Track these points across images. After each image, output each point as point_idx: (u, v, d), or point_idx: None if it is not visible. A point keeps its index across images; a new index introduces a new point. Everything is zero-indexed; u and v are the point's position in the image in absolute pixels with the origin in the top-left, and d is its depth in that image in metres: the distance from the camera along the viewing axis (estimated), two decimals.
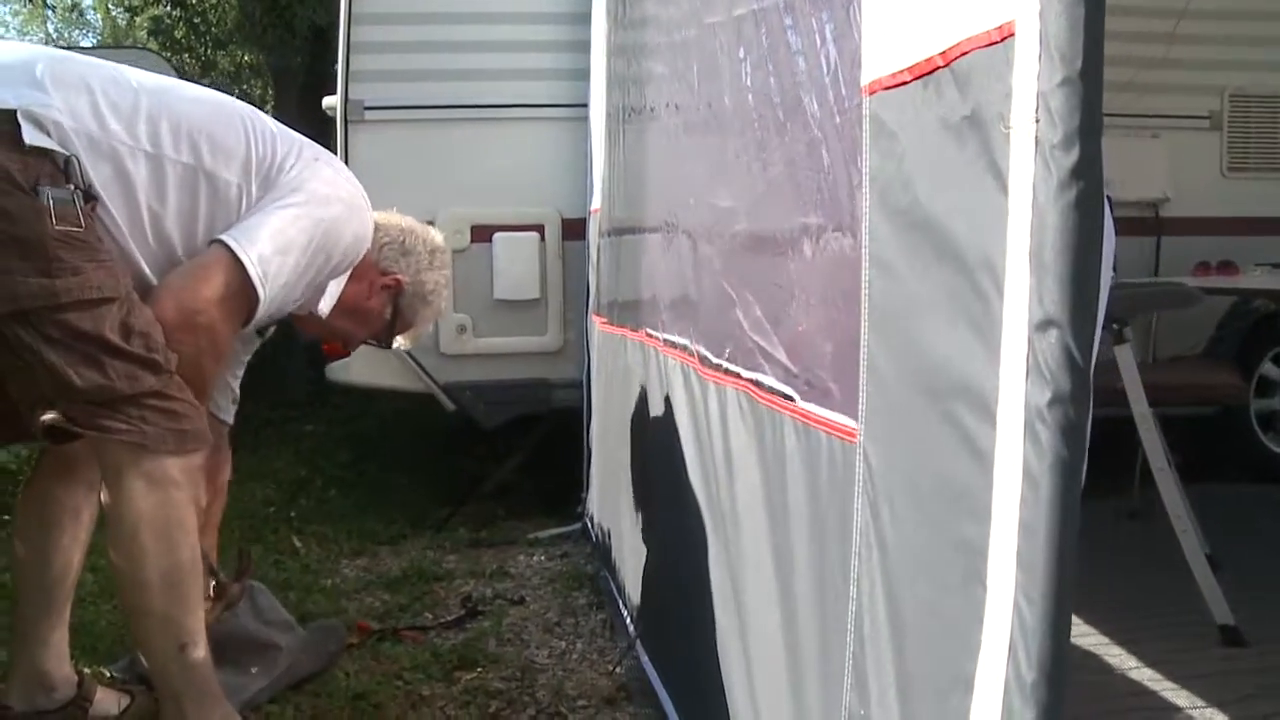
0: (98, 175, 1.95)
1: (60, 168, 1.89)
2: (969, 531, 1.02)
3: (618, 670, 2.84)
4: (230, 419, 2.60)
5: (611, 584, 3.30)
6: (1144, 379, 3.15)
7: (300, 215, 2.15)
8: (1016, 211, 0.94)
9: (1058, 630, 0.94)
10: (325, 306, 2.41)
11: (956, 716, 1.04)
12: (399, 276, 2.54)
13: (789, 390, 1.54)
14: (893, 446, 1.21)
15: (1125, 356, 3.61)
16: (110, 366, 1.89)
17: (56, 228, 1.86)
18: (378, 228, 2.47)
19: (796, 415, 1.49)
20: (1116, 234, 1.14)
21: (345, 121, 4.18)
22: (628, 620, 2.99)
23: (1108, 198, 0.93)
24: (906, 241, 1.15)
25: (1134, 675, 2.70)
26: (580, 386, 4.21)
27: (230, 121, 2.18)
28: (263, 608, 2.70)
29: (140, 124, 2.02)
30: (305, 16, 7.39)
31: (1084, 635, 3.01)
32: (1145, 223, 4.63)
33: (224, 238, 2.07)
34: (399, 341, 2.65)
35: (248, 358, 2.64)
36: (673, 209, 2.47)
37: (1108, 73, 0.90)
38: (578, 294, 4.20)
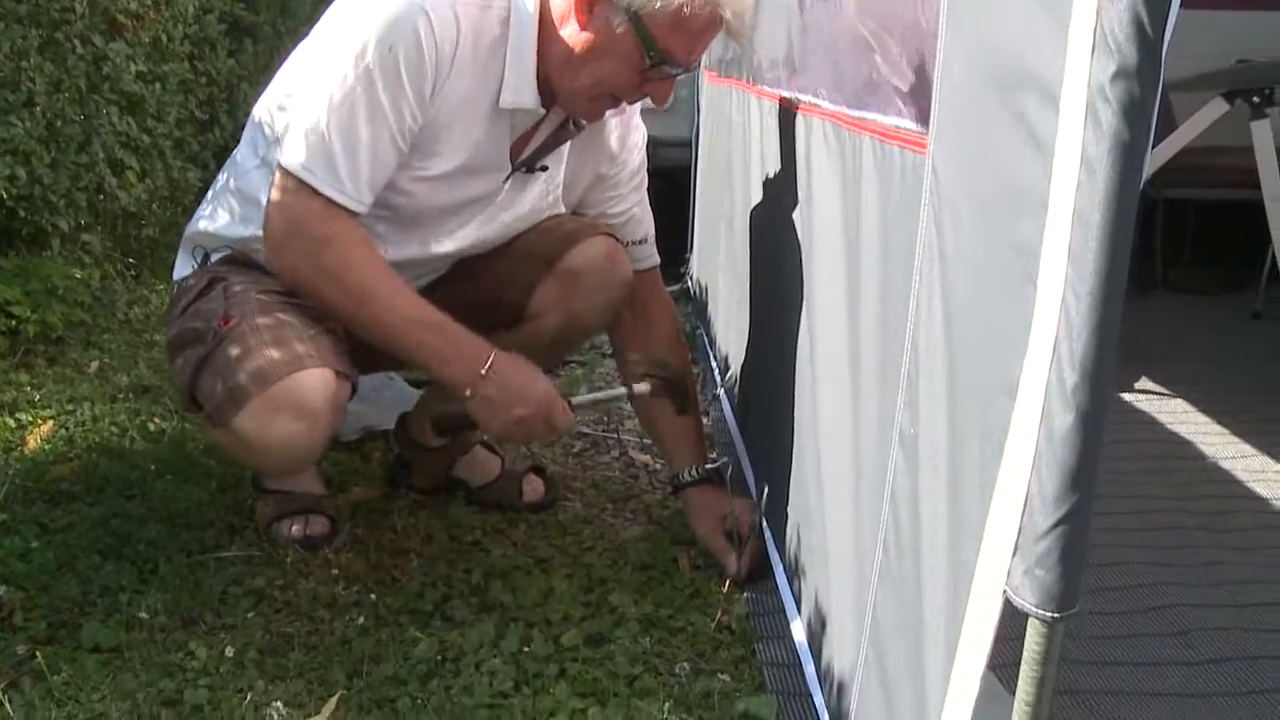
0: None
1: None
2: (1025, 229, 0.96)
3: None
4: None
5: (705, 337, 3.31)
6: None
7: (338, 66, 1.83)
8: None
9: (1104, 329, 0.88)
10: (511, 92, 1.94)
11: (998, 425, 1.00)
12: None
13: (871, 108, 1.47)
14: (960, 153, 1.14)
15: (1262, 133, 3.39)
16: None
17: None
18: None
19: (875, 134, 1.43)
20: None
21: None
22: (716, 371, 3.01)
23: None
24: None
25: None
26: (689, 145, 4.13)
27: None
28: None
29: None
30: None
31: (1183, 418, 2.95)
32: None
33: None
34: (673, 69, 1.89)
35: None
36: None
37: None
38: None
